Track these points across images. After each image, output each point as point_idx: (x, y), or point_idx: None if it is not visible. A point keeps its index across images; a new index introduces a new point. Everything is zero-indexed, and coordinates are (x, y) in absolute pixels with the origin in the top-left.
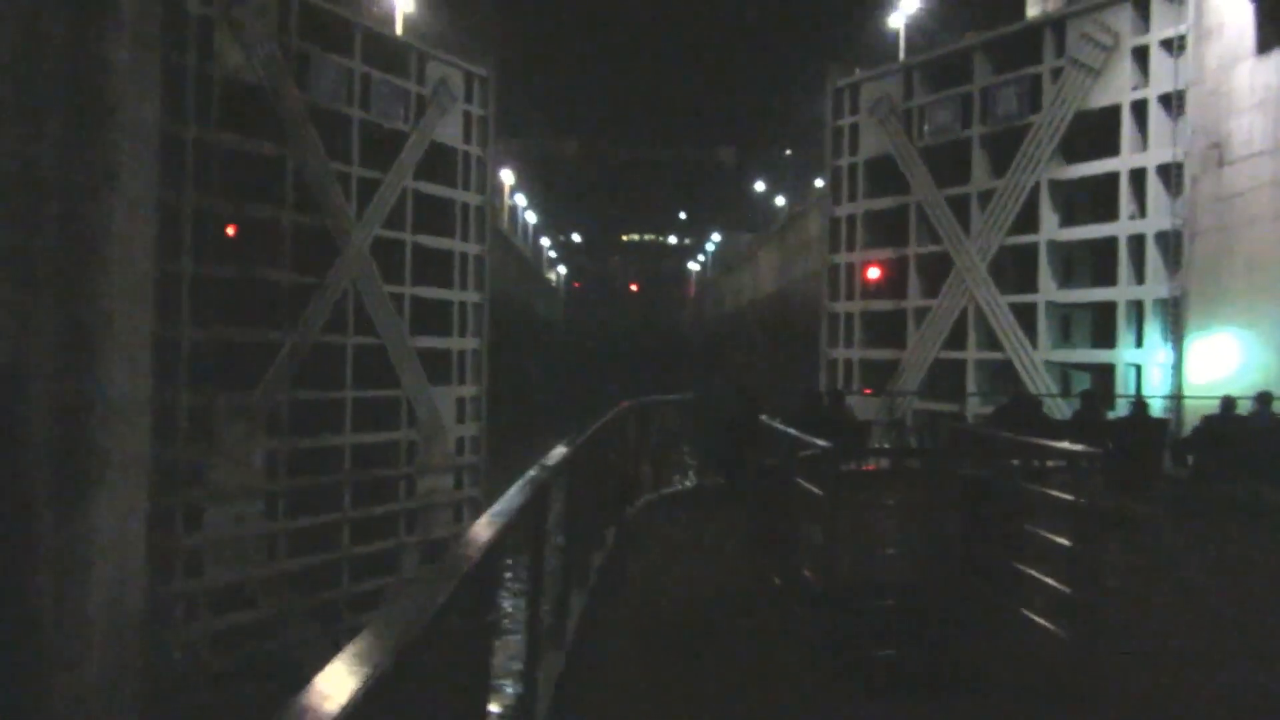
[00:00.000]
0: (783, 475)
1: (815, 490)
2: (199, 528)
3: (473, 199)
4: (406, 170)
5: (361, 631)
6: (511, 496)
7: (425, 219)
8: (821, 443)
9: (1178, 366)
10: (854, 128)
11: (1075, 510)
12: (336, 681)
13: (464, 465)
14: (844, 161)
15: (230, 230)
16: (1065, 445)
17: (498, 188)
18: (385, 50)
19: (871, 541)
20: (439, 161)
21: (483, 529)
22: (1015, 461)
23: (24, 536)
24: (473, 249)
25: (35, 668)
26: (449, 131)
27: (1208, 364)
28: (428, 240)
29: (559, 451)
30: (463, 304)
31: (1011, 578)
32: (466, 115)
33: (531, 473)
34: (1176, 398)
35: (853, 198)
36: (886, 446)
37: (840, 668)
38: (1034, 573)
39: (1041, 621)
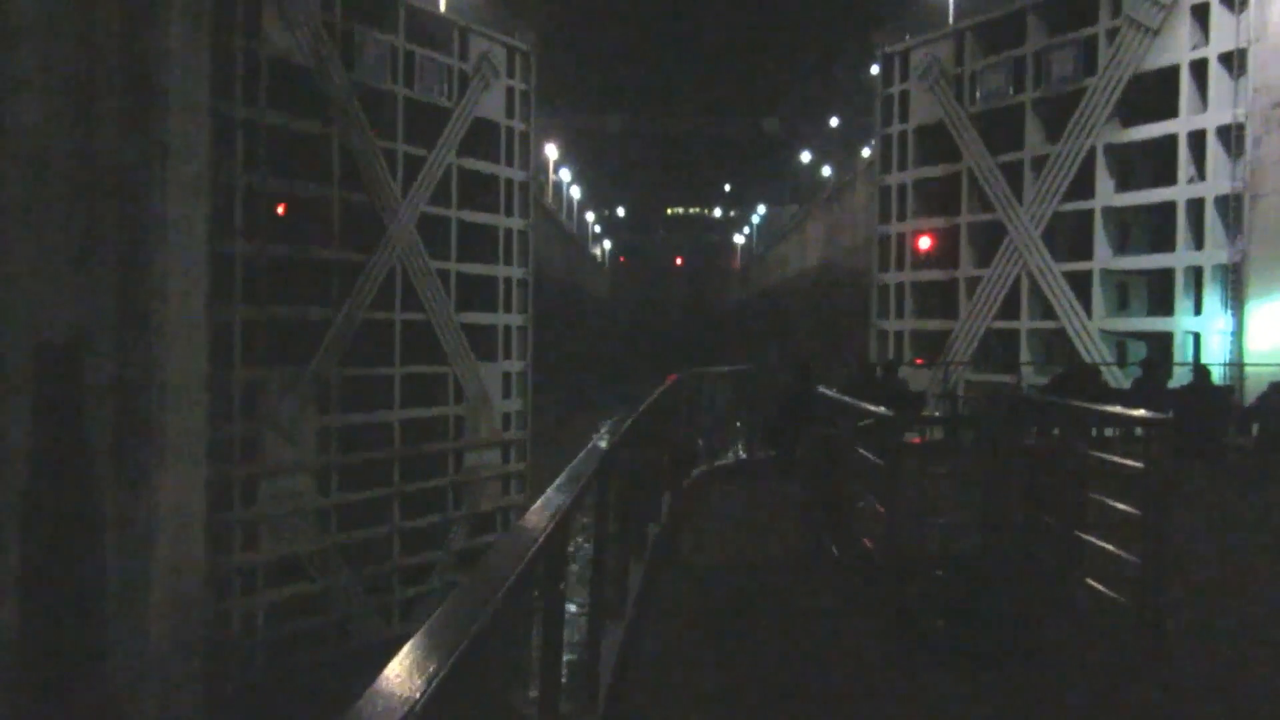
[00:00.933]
0: (842, 445)
1: (875, 460)
2: (254, 502)
3: (516, 174)
4: (450, 146)
5: (438, 610)
6: (573, 469)
7: (469, 195)
8: (882, 411)
9: (1238, 334)
10: (904, 95)
11: (1146, 478)
12: (415, 662)
13: (510, 440)
14: (893, 129)
15: (280, 209)
16: (1135, 412)
17: (542, 163)
18: (428, 27)
19: (931, 511)
20: (482, 137)
21: (547, 504)
22: (1078, 429)
23: (87, 511)
24: (517, 224)
25: (99, 638)
26: (492, 107)
27: (1270, 331)
28: (472, 216)
29: (615, 425)
30: (508, 279)
31: (1075, 547)
32: (509, 90)
33: (591, 446)
34: (1238, 365)
35: (903, 166)
36: (938, 415)
37: (901, 638)
38: (1101, 543)
39: (1108, 592)
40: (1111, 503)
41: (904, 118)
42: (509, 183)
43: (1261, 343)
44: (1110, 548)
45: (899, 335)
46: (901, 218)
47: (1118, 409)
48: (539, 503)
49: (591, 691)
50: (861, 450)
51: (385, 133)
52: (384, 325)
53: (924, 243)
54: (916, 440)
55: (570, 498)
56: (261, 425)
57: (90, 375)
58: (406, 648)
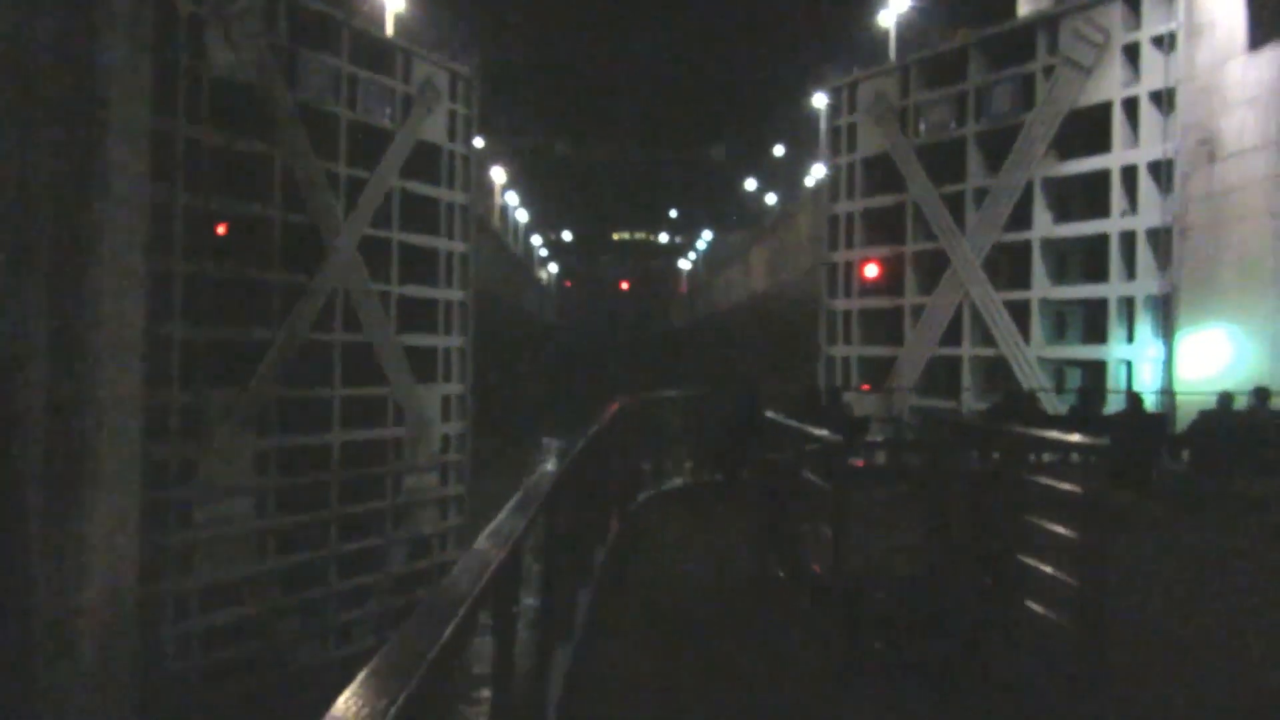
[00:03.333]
0: (788, 469)
1: (822, 483)
2: (190, 525)
3: (458, 197)
4: (393, 169)
5: (390, 641)
6: (524, 494)
7: (411, 217)
8: (829, 435)
9: (1168, 362)
10: (851, 127)
11: (1082, 503)
12: (360, 700)
13: (449, 462)
14: (842, 160)
15: (221, 229)
16: (1072, 437)
17: (488, 187)
18: (372, 50)
19: (876, 535)
20: (425, 160)
21: (499, 530)
22: (1017, 454)
23: (18, 534)
24: (458, 247)
25: (29, 663)
26: (434, 130)
27: (1198, 359)
28: (414, 238)
29: (559, 452)
30: (448, 302)
31: (1016, 570)
32: (451, 114)
33: (536, 474)
34: (1169, 393)
35: (850, 196)
36: (883, 440)
37: (847, 659)
38: (1040, 565)
39: (1048, 614)
40: (1050, 526)
41: (851, 149)
42: (450, 205)
43: (1190, 371)
44: (1049, 570)
45: (846, 361)
46: (849, 246)
47: (1055, 434)
48: (490, 528)
49: (539, 716)
50: (808, 474)
51: (328, 154)
52: (324, 347)
53: (871, 271)
54: (859, 464)
55: (524, 522)
56: (199, 447)
57: (21, 397)
58: (358, 679)
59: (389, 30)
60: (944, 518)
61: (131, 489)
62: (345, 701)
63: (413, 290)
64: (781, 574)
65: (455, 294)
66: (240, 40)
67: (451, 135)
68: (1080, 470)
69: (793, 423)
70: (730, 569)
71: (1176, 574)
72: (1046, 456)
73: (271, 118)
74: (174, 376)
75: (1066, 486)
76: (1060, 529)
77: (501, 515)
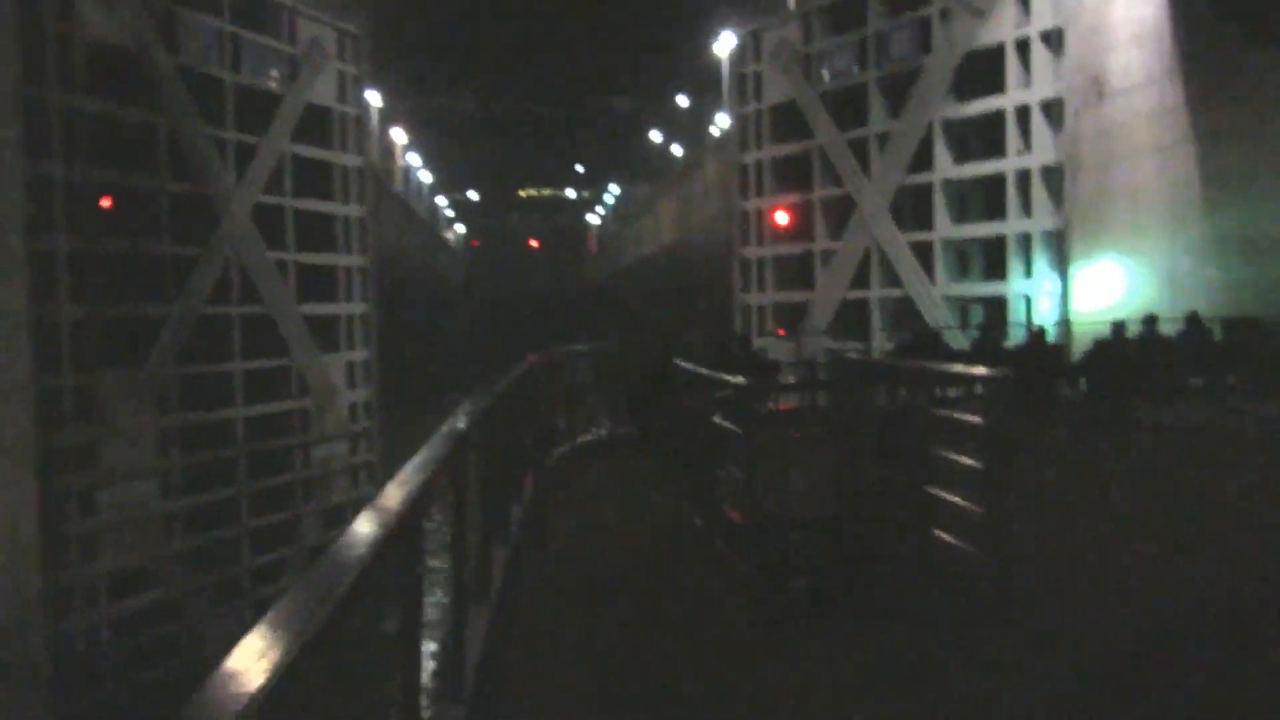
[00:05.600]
0: (700, 417)
1: (733, 428)
2: (94, 511)
3: (352, 160)
4: (283, 133)
5: (279, 600)
6: (426, 454)
7: (305, 183)
8: (738, 380)
9: (1064, 295)
10: (757, 75)
11: (985, 433)
12: (255, 652)
13: (358, 431)
14: (749, 108)
15: (105, 202)
16: (974, 369)
17: (389, 148)
18: (254, 9)
19: (789, 475)
20: (316, 123)
21: (401, 486)
22: (923, 388)
23: None
24: (355, 211)
25: None
26: (324, 91)
27: (1093, 291)
28: (309, 205)
29: (472, 407)
30: (348, 268)
31: (926, 502)
32: (341, 74)
33: (447, 427)
34: (1065, 324)
35: (759, 144)
36: (796, 380)
37: (763, 598)
38: (947, 496)
39: (958, 543)
40: (956, 457)
41: (758, 97)
42: (345, 169)
43: (1086, 303)
44: (957, 500)
45: (762, 308)
46: (759, 194)
47: (959, 367)
48: (391, 485)
49: (457, 681)
50: (719, 420)
51: (214, 120)
52: (222, 320)
53: (781, 218)
54: (785, 407)
55: (425, 477)
56: (98, 431)
57: None
58: (248, 638)
59: None
60: (855, 456)
61: (26, 475)
62: (236, 658)
63: (311, 258)
64: (699, 521)
65: (355, 260)
66: (114, 3)
67: (342, 96)
68: (983, 402)
69: (702, 370)
70: (648, 519)
71: (1077, 497)
72: (953, 391)
73: (152, 83)
74: (65, 359)
75: (970, 418)
76: (966, 460)
77: (402, 472)
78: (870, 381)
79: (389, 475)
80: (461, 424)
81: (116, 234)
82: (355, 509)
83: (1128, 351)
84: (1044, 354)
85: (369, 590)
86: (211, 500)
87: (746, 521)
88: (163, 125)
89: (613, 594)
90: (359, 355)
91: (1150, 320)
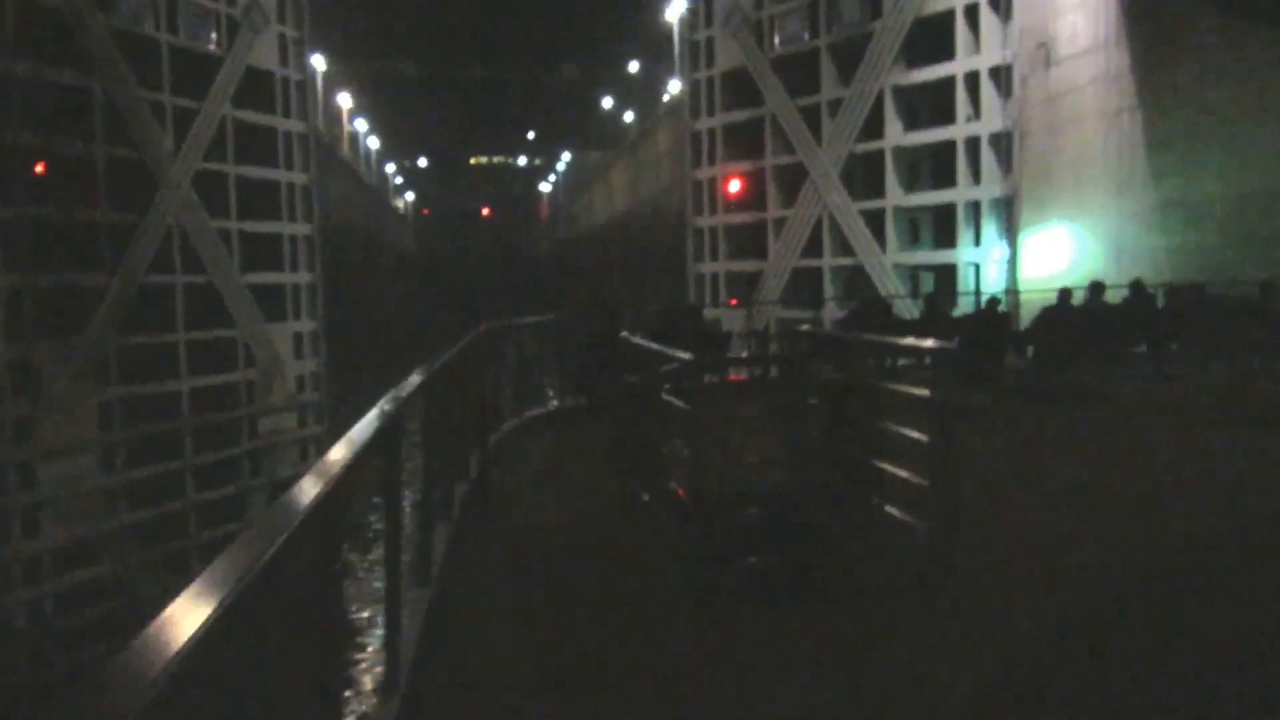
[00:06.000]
0: (646, 391)
1: (679, 404)
2: (33, 486)
3: (295, 125)
4: (223, 97)
5: (205, 569)
6: (363, 426)
7: (248, 149)
8: (683, 355)
9: (1013, 262)
10: (709, 41)
11: (931, 405)
12: (180, 618)
13: (305, 402)
14: (700, 75)
15: (39, 168)
16: (921, 342)
17: (335, 113)
18: None
19: (737, 451)
20: (257, 87)
21: (332, 459)
22: (871, 361)
23: None
24: (299, 179)
25: None
26: (265, 55)
27: (1040, 258)
28: (252, 171)
29: (413, 380)
30: (293, 236)
31: (874, 476)
32: (281, 37)
33: (383, 402)
34: (1014, 292)
35: (710, 112)
36: (745, 355)
37: (711, 578)
38: (894, 469)
39: (904, 517)
40: (903, 430)
41: (710, 63)
42: (289, 135)
43: (1033, 270)
44: (903, 473)
45: (715, 277)
46: (712, 162)
47: (907, 340)
48: (318, 464)
49: (393, 668)
50: (665, 395)
51: (152, 84)
52: (164, 290)
53: (733, 186)
54: (736, 378)
55: (354, 452)
56: (35, 404)
57: None
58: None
59: None
60: (803, 430)
61: None
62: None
63: (255, 226)
64: (646, 497)
65: (300, 228)
66: None
67: (284, 59)
68: (930, 373)
69: (647, 343)
70: (594, 496)
71: (1023, 468)
72: (902, 362)
73: (86, 44)
74: None
75: (916, 390)
76: (913, 432)
77: (332, 450)
78: (820, 355)
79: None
80: (396, 400)
81: (51, 201)
82: None
83: (1073, 319)
84: (994, 323)
85: (293, 564)
86: (155, 475)
87: (691, 499)
88: (97, 88)
89: (557, 573)
90: (306, 325)
91: (1096, 287)
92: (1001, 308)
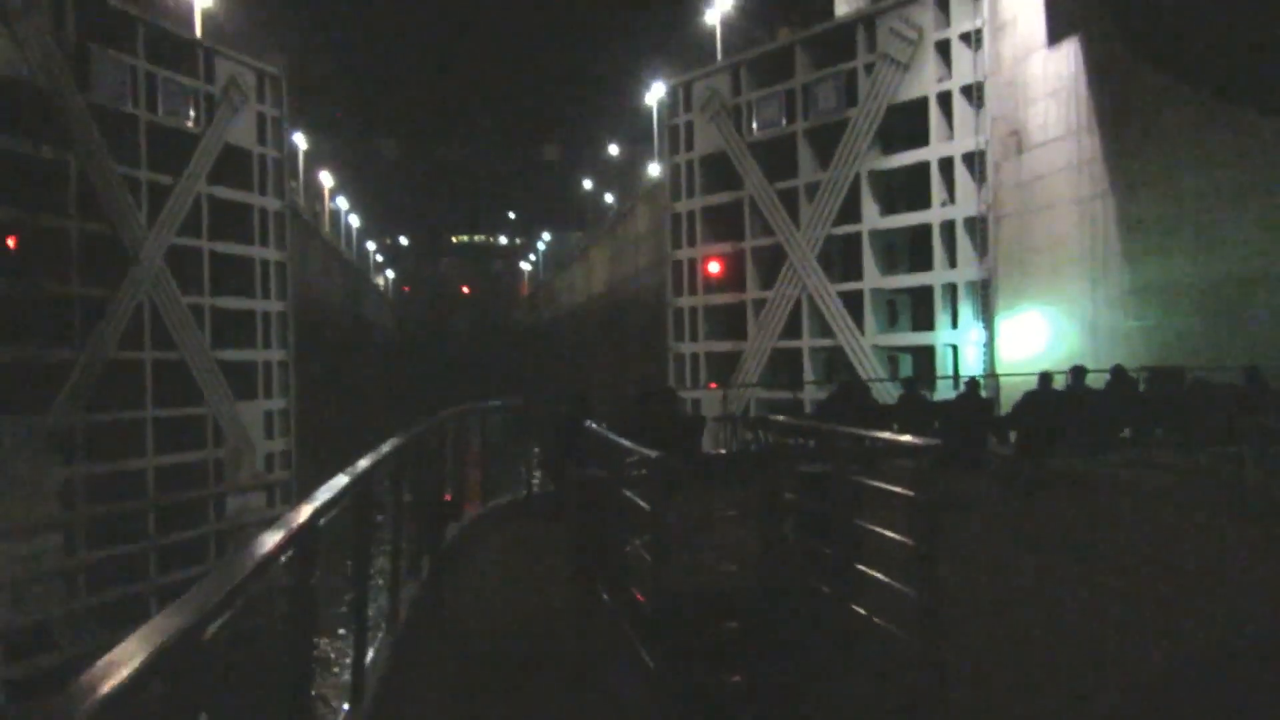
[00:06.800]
0: (608, 487)
1: (643, 505)
2: None
3: (271, 203)
4: (199, 173)
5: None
6: (268, 536)
7: (223, 225)
8: (649, 453)
9: (990, 345)
10: (689, 125)
11: (917, 507)
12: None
13: (274, 482)
14: (680, 158)
15: (10, 241)
16: (905, 439)
17: (317, 191)
18: (171, 47)
19: (707, 550)
20: (234, 164)
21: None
22: (849, 458)
23: None
24: (274, 255)
25: None
26: (243, 133)
27: (1017, 341)
28: (226, 247)
29: (338, 481)
30: (266, 313)
31: (853, 579)
32: (260, 116)
33: (287, 514)
34: (992, 375)
35: (690, 194)
36: (721, 452)
37: (672, 694)
38: (876, 574)
39: (889, 627)
40: (886, 532)
41: (689, 147)
42: (264, 212)
43: (1011, 352)
44: (884, 578)
45: (694, 357)
46: (691, 243)
47: (886, 435)
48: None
49: None
50: (629, 493)
51: (128, 159)
52: (133, 366)
53: (713, 267)
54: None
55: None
56: None
57: None
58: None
59: (198, 30)
60: (777, 527)
61: None
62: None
63: (227, 302)
64: (607, 599)
65: (274, 305)
66: (24, 35)
67: (262, 138)
68: (912, 470)
69: (611, 436)
70: (554, 596)
71: (1016, 568)
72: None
73: (63, 119)
74: None
75: (899, 490)
76: (895, 535)
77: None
78: (795, 449)
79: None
80: (304, 514)
81: (21, 274)
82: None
83: (1056, 404)
84: (976, 407)
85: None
86: (118, 555)
87: (655, 607)
88: (72, 162)
89: (509, 687)
90: (277, 404)
91: (1078, 371)
92: (982, 391)
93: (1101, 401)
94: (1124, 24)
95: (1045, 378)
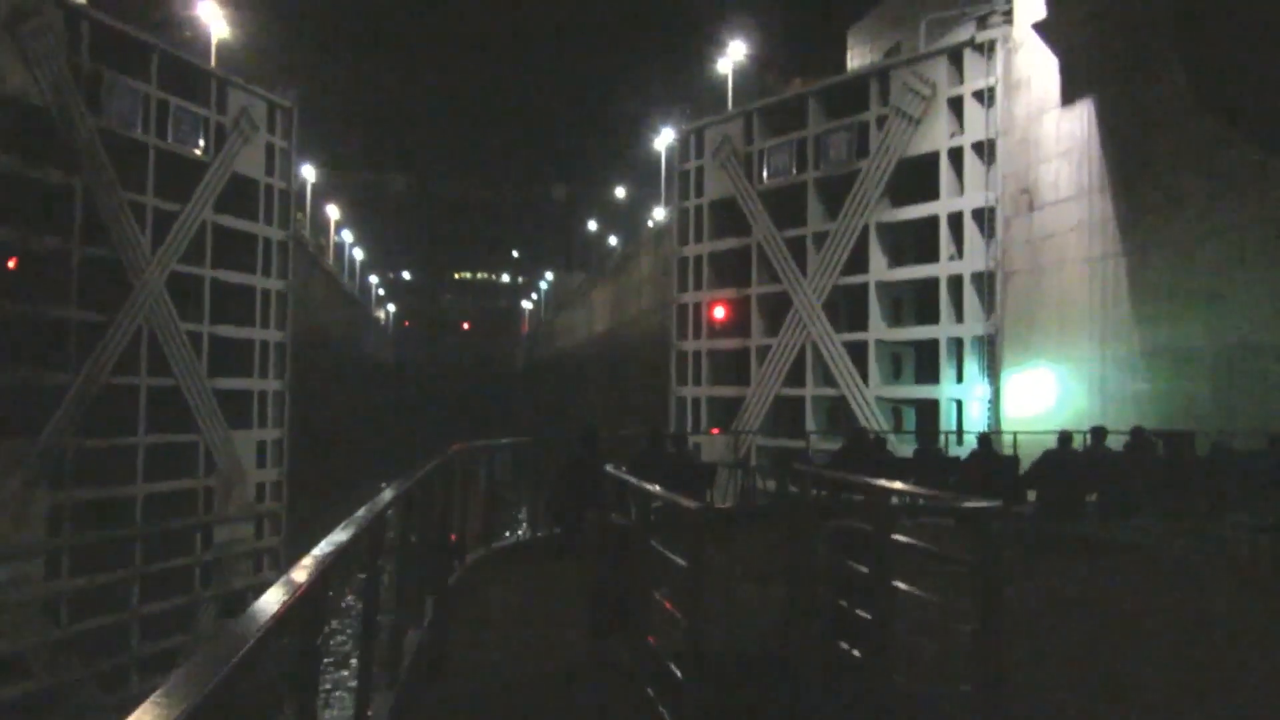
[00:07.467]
0: (634, 536)
1: (674, 558)
2: None
3: (275, 233)
4: (206, 202)
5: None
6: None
7: (226, 254)
8: (687, 503)
9: (995, 401)
10: (699, 170)
11: (976, 572)
12: None
13: (264, 512)
14: (690, 203)
15: (10, 263)
16: (965, 503)
17: (323, 223)
18: (183, 76)
19: (734, 608)
20: (241, 194)
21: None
22: (888, 514)
23: None
24: (275, 285)
25: None
26: (251, 163)
27: (1023, 398)
28: (228, 276)
29: (337, 537)
30: (264, 343)
31: (889, 644)
32: (269, 146)
33: (293, 572)
34: (996, 432)
35: (699, 238)
36: (759, 504)
37: None
38: (919, 639)
39: (931, 690)
40: (934, 597)
41: (699, 192)
42: (268, 242)
43: (1016, 409)
44: (928, 644)
45: (696, 402)
46: (698, 287)
47: (938, 494)
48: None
49: None
50: (658, 546)
51: (135, 184)
52: (128, 391)
53: (719, 312)
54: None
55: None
56: None
57: None
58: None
59: (212, 60)
60: (809, 588)
61: None
62: None
63: (226, 330)
64: (629, 657)
65: (273, 334)
66: (37, 58)
67: (270, 169)
68: (969, 534)
69: (635, 481)
70: (569, 648)
71: (1057, 631)
72: (894, 500)
73: (72, 144)
74: None
75: (948, 556)
76: (933, 598)
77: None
78: (829, 503)
79: (294, 561)
80: (301, 573)
81: (21, 297)
82: (257, 595)
83: (1076, 463)
84: (996, 465)
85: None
86: (101, 583)
87: (686, 667)
88: (78, 186)
89: None
90: (271, 434)
91: (1098, 432)
92: (994, 446)
93: (1121, 464)
94: (1141, 86)
95: (1065, 437)
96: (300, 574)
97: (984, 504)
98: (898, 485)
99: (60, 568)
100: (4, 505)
